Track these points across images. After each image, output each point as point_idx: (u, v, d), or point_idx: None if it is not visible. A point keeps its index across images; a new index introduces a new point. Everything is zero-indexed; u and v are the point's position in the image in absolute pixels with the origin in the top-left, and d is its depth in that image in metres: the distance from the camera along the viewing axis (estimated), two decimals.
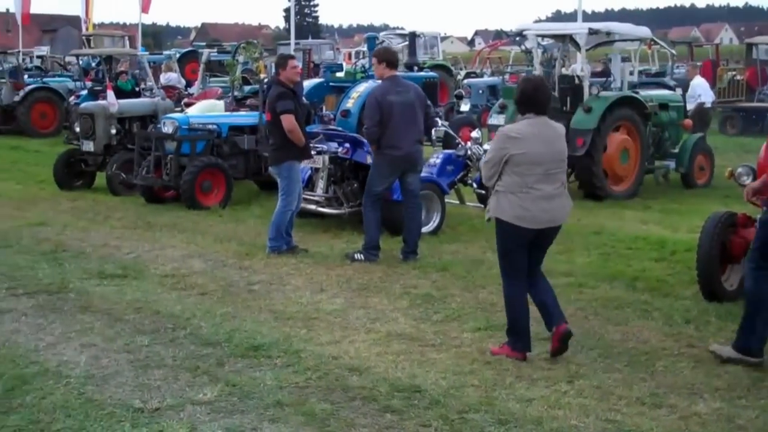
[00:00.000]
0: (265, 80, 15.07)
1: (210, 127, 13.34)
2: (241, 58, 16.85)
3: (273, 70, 13.87)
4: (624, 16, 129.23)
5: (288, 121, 9.47)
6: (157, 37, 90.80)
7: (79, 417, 5.32)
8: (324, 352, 6.48)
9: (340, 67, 20.02)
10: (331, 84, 17.35)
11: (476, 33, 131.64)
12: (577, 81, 14.43)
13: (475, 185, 12.10)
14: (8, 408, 5.47)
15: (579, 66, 14.89)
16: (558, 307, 6.57)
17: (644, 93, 15.00)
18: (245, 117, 14.12)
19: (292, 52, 24.44)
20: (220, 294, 8.15)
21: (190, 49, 35.90)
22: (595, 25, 14.30)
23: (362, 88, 15.80)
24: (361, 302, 7.88)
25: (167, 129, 13.09)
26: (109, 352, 6.50)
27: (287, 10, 45.48)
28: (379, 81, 9.87)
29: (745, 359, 6.32)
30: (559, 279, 8.57)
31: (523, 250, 6.45)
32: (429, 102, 10.20)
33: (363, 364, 6.24)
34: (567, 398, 5.70)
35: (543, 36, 15.38)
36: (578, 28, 14.55)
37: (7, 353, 6.47)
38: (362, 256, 9.43)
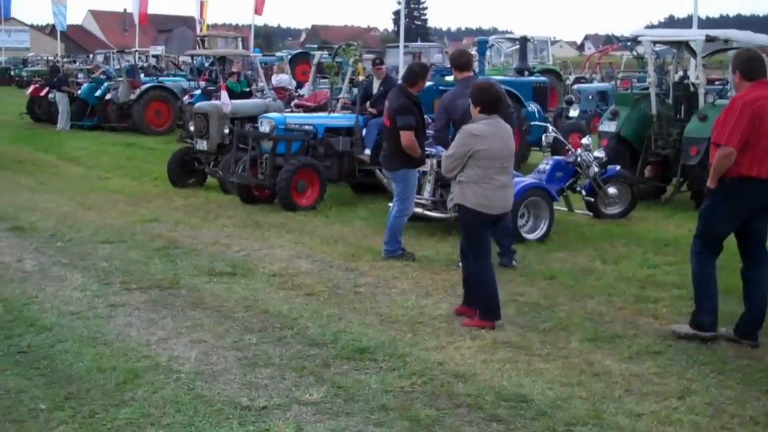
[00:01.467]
0: (364, 81, 14.98)
1: (306, 127, 13.36)
2: (350, 61, 16.91)
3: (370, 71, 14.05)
4: (740, 22, 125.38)
5: (407, 137, 9.35)
6: (268, 38, 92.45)
7: (189, 413, 5.42)
8: (429, 358, 6.46)
9: (449, 71, 19.96)
10: (440, 87, 17.30)
11: (586, 37, 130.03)
12: (692, 88, 14.07)
13: (584, 192, 11.94)
14: (120, 401, 5.60)
15: (694, 73, 14.52)
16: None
17: None
18: (342, 119, 14.12)
19: (401, 56, 24.56)
20: (327, 295, 8.20)
21: (301, 50, 36.41)
22: (713, 32, 13.89)
23: None
24: None
25: (264, 128, 13.20)
26: (218, 349, 6.61)
27: (396, 13, 45.46)
28: None
29: (699, 334, 6.97)
30: (671, 291, 8.38)
31: (485, 232, 7.50)
32: (509, 103, 9.93)
33: (469, 370, 6.19)
34: (678, 414, 5.55)
35: (658, 42, 15.02)
36: (695, 35, 14.15)
37: (119, 347, 6.64)
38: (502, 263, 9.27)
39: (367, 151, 13.53)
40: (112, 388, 5.80)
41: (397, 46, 24.63)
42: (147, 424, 5.26)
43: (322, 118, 14.03)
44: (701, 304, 7.03)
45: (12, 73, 62.47)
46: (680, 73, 15.69)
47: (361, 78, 14.17)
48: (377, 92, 13.97)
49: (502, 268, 9.01)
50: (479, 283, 7.40)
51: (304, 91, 20.51)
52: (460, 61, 9.59)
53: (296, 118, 13.84)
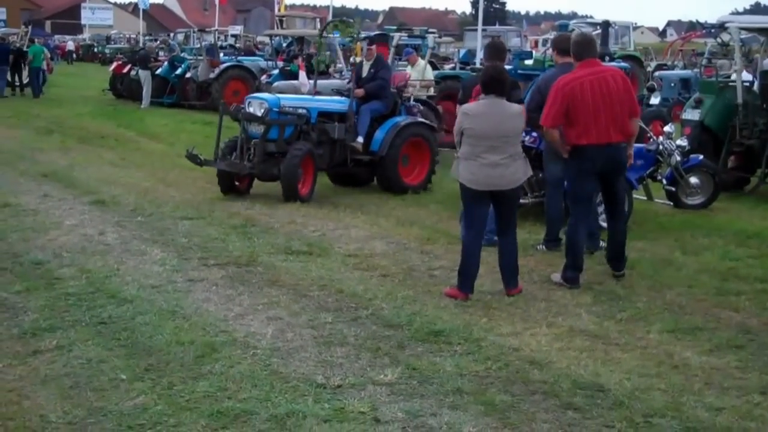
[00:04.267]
0: (355, 63, 13.69)
1: (300, 111, 12.14)
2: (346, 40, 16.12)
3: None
4: None
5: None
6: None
7: (265, 388, 5.47)
8: (505, 343, 6.42)
9: (529, 55, 19.77)
10: (519, 72, 17.15)
11: (668, 24, 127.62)
12: None
13: (665, 181, 11.71)
14: (198, 374, 5.68)
15: None
16: (513, 273, 7.76)
17: None
18: (334, 103, 12.93)
19: (479, 39, 24.41)
20: (402, 277, 8.20)
21: (379, 32, 36.33)
22: None
23: None
24: (543, 295, 7.75)
25: (254, 110, 11.93)
26: (294, 327, 6.66)
27: None
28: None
29: (566, 285, 7.98)
30: (753, 285, 8.19)
31: (477, 206, 7.70)
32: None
33: (544, 357, 6.14)
34: (760, 410, 5.42)
35: (745, 29, 14.63)
36: None
37: (198, 321, 6.73)
38: (544, 247, 9.30)
39: (360, 139, 12.64)
40: (191, 361, 5.88)
41: (476, 30, 24.49)
42: (224, 398, 5.32)
43: (315, 101, 12.76)
44: (571, 261, 8.09)
45: (95, 50, 63.77)
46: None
47: (358, 59, 13.31)
48: (366, 75, 13.12)
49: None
50: (463, 251, 7.70)
51: None
52: (562, 46, 9.48)
53: (291, 100, 12.60)
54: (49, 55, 32.01)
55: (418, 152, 13.16)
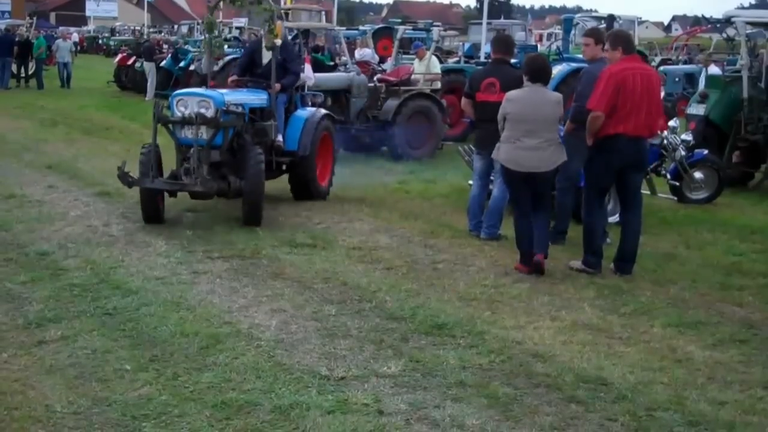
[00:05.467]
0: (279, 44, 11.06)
1: (239, 109, 10.00)
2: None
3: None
4: None
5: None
6: (350, 12, 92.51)
7: (269, 379, 5.49)
8: (508, 336, 6.43)
9: (534, 49, 19.74)
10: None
11: (673, 18, 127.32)
12: None
13: (669, 176, 11.72)
14: (202, 365, 5.70)
15: None
16: (544, 240, 8.28)
17: None
18: (257, 96, 10.74)
19: (484, 32, 24.37)
20: (405, 270, 8.21)
21: (384, 25, 36.30)
22: None
23: (555, 70, 15.47)
24: (546, 288, 7.76)
25: (191, 110, 9.69)
26: (298, 319, 6.68)
27: None
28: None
29: (586, 269, 8.25)
30: (757, 279, 8.20)
31: (519, 186, 8.36)
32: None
33: (548, 351, 6.15)
34: (763, 404, 5.43)
35: (751, 23, 14.60)
36: None
37: (202, 312, 6.75)
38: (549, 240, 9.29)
39: (280, 137, 10.86)
40: (195, 353, 5.90)
41: (480, 23, 24.41)
42: (228, 389, 5.34)
43: (240, 95, 10.49)
44: (590, 246, 8.33)
45: (100, 41, 63.72)
46: None
47: (278, 42, 10.86)
48: (268, 61, 10.95)
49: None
50: (515, 227, 8.42)
51: (387, 65, 20.49)
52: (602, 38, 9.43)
53: (233, 95, 10.38)
54: (43, 48, 31.92)
55: (324, 149, 11.61)
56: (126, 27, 65.26)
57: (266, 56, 11.02)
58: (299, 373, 5.61)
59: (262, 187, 9.68)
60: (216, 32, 13.20)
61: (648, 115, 8.16)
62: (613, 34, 8.88)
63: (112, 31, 64.85)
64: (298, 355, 5.95)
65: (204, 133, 9.60)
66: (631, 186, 8.41)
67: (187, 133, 9.67)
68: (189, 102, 9.77)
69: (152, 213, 9.69)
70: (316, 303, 7.09)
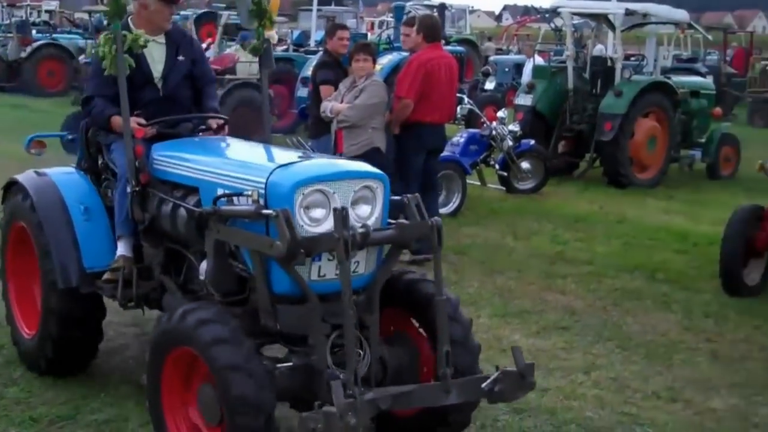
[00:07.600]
0: None
1: None
2: None
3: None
4: None
5: (327, 92, 8.65)
6: None
7: None
8: None
9: (364, 37, 19.71)
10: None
11: (504, 8, 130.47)
12: (609, 63, 14.16)
13: (497, 166, 11.96)
14: None
15: (612, 47, 14.59)
16: None
17: (676, 79, 14.69)
18: None
19: (314, 20, 24.00)
20: None
21: (207, 10, 34.91)
22: (633, 6, 13.96)
23: (386, 60, 15.46)
24: None
25: None
26: None
27: None
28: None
29: (417, 258, 7.86)
30: (580, 267, 8.52)
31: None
32: None
33: None
34: (582, 389, 5.66)
35: (577, 14, 15.03)
36: (615, 8, 14.04)
37: None
38: None
39: None
40: None
41: (311, 10, 24.11)
42: None
43: None
44: None
45: None
46: (599, 46, 15.78)
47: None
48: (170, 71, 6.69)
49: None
50: None
51: (210, 53, 19.89)
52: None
53: None
54: None
55: None
56: None
57: (158, 60, 5.77)
58: None
59: None
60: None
61: (451, 103, 8.83)
62: (418, 19, 9.06)
63: None
64: None
65: None
66: (431, 170, 8.69)
67: None
68: None
69: None
70: None
